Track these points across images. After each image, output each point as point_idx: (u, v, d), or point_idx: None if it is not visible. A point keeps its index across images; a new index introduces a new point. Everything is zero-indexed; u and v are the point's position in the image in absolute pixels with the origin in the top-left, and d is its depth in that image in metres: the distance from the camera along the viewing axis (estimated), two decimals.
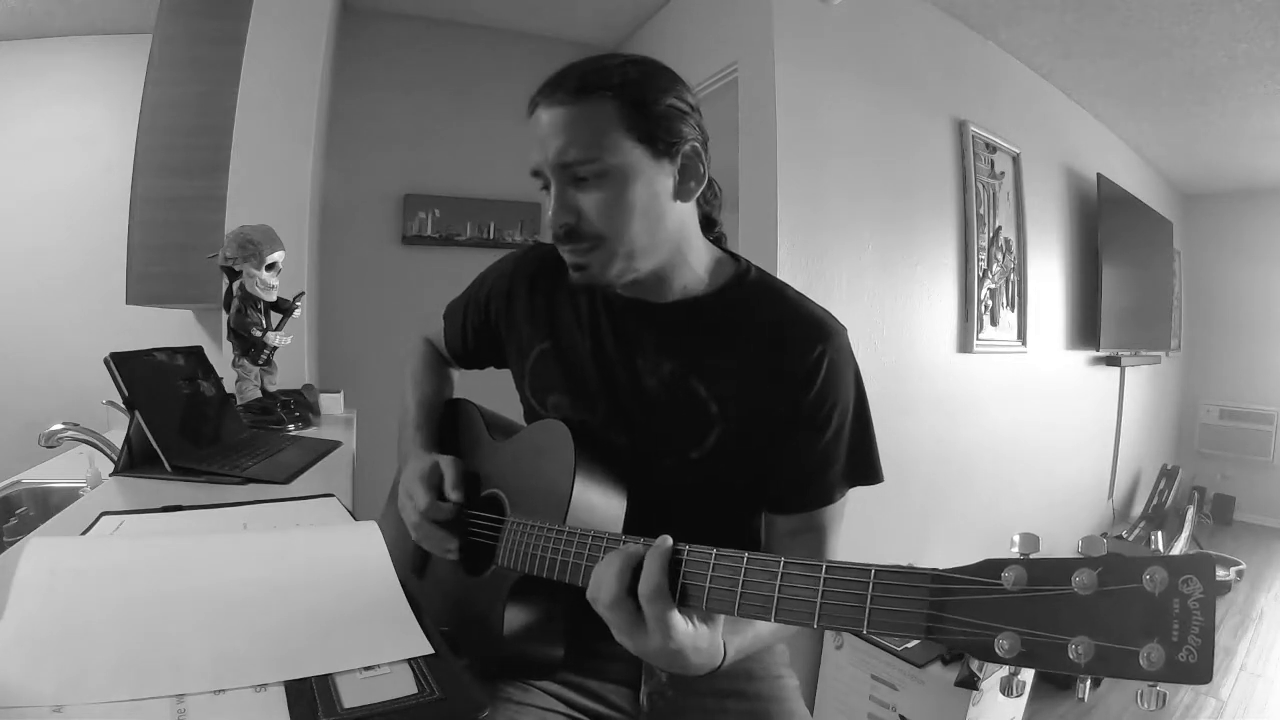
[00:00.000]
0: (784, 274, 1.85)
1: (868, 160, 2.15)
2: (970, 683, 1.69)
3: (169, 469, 1.06)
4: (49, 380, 2.41)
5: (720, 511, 0.77)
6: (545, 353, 0.81)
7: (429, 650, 0.57)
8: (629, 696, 0.79)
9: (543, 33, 2.86)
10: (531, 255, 0.85)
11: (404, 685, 0.53)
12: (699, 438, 0.73)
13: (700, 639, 0.53)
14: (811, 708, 2.02)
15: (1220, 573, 3.13)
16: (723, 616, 0.54)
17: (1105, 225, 3.19)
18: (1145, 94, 2.99)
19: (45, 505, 1.39)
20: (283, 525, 0.86)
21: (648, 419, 0.75)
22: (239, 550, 0.71)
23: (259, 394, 1.57)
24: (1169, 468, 4.12)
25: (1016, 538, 0.40)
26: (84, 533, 0.77)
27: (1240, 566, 3.33)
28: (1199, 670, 0.32)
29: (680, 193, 0.71)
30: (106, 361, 1.07)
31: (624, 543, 0.58)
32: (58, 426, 1.24)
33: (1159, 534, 3.38)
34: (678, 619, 0.51)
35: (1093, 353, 3.27)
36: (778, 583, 0.47)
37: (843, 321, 0.75)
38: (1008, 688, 0.41)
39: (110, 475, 1.08)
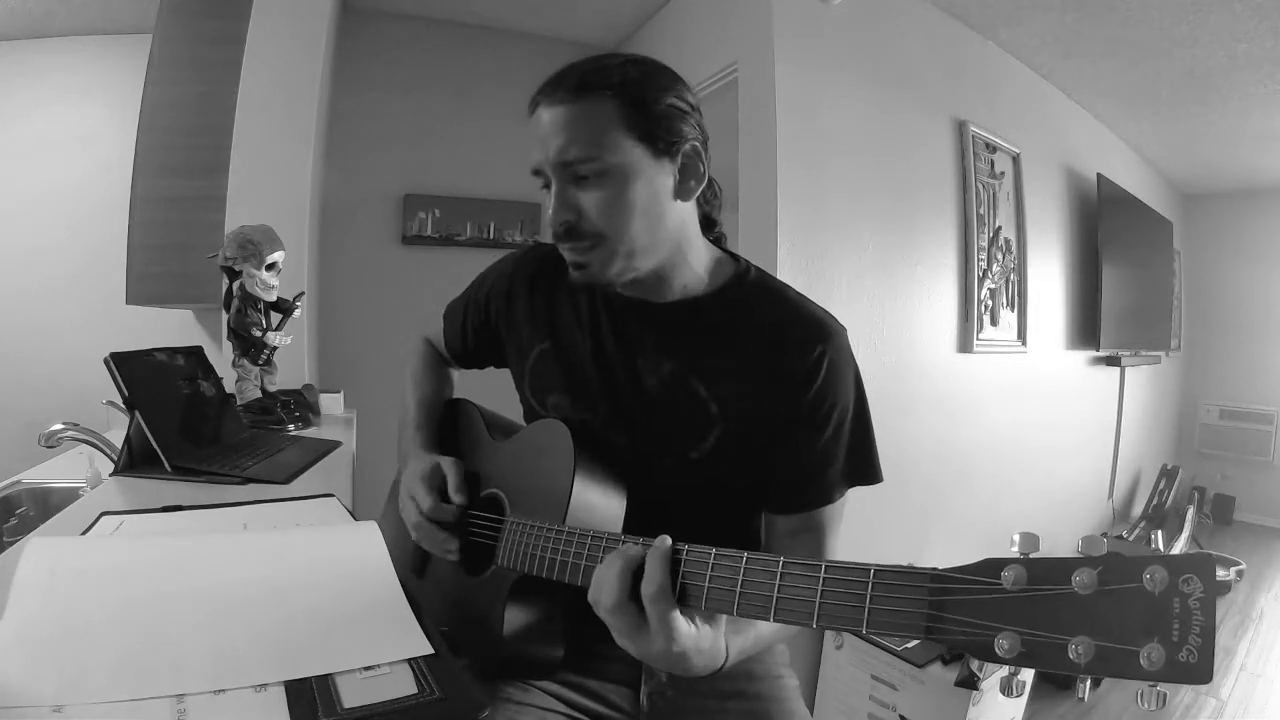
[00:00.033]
0: (784, 274, 1.85)
1: (868, 160, 2.15)
2: (970, 683, 1.69)
3: (169, 469, 1.06)
4: (49, 380, 2.41)
5: (720, 512, 0.77)
6: (545, 353, 0.81)
7: (429, 650, 0.57)
8: (629, 696, 0.79)
9: (543, 33, 2.86)
10: (531, 255, 0.86)
11: (404, 685, 0.53)
12: (699, 438, 0.73)
13: (703, 640, 0.53)
14: (811, 708, 2.02)
15: (1220, 573, 3.13)
16: (725, 617, 0.54)
17: (1105, 225, 3.19)
18: (1145, 94, 2.99)
19: (45, 505, 1.39)
20: (283, 525, 0.86)
21: (648, 419, 0.75)
22: (239, 550, 0.71)
23: (259, 394, 1.57)
24: (1169, 468, 4.12)
25: (1016, 537, 0.40)
26: (84, 533, 0.77)
27: (1240, 566, 3.33)
28: (1199, 670, 0.32)
29: (680, 192, 0.71)
30: (106, 361, 1.07)
31: (623, 542, 0.58)
32: (58, 426, 1.24)
33: (1159, 533, 3.38)
34: (681, 620, 0.51)
35: (1093, 353, 3.27)
36: (777, 582, 0.47)
37: (843, 321, 0.75)
38: (1008, 688, 0.40)
39: (110, 475, 1.08)
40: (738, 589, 0.49)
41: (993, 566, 0.39)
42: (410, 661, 0.56)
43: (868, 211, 2.15)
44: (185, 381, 1.26)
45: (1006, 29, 2.50)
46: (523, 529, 0.68)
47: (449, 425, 0.93)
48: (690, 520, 0.61)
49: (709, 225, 0.81)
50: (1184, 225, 4.54)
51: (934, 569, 0.41)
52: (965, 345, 2.47)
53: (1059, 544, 2.70)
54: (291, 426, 1.54)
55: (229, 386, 1.48)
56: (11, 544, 0.84)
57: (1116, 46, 2.55)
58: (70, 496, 1.33)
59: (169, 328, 2.32)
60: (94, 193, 2.45)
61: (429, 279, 2.55)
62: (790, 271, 1.93)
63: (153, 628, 0.56)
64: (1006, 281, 2.66)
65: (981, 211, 2.52)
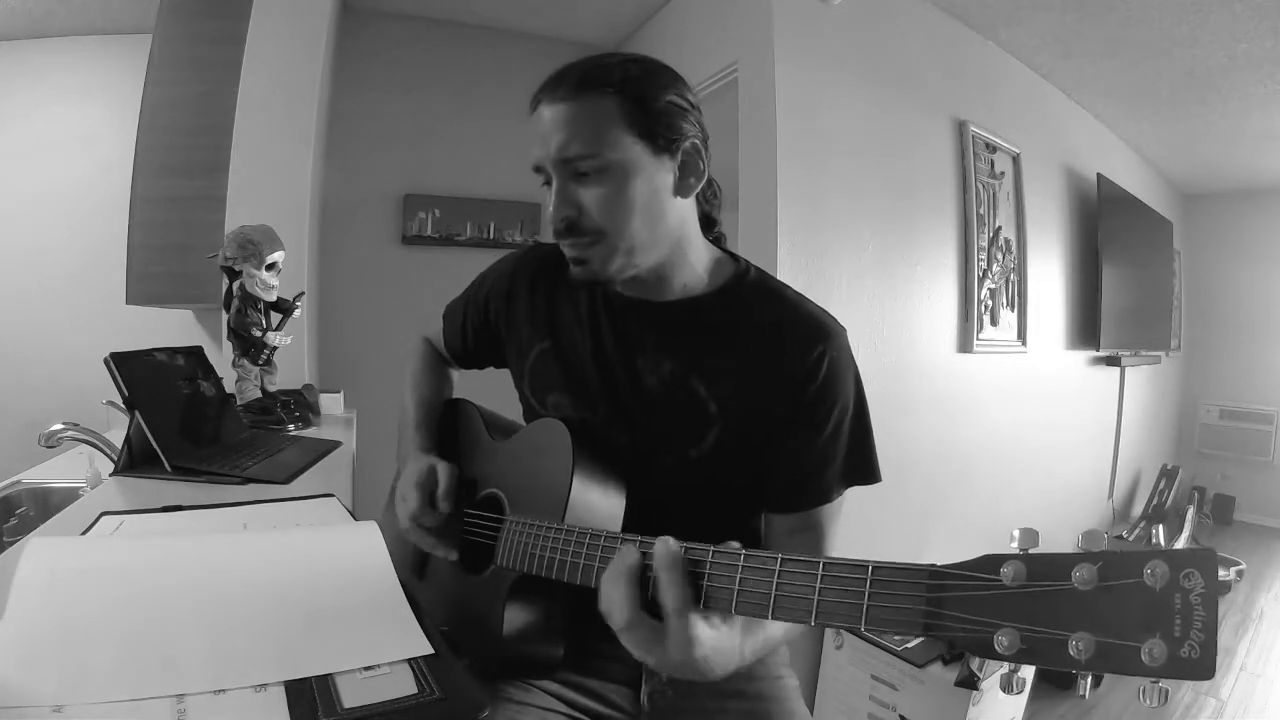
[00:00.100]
0: (784, 274, 1.85)
1: (868, 160, 2.15)
2: (970, 683, 1.68)
3: (169, 469, 1.06)
4: (49, 380, 2.41)
5: (720, 511, 0.77)
6: (545, 352, 0.81)
7: (429, 650, 0.57)
8: (629, 696, 0.79)
9: (543, 33, 2.86)
10: (531, 255, 0.86)
11: (404, 685, 0.53)
12: (698, 437, 0.73)
13: (722, 640, 0.51)
14: (811, 708, 2.02)
15: (1220, 573, 3.13)
16: (741, 619, 0.53)
17: (1105, 225, 3.19)
18: (1145, 94, 2.99)
19: (45, 505, 1.39)
20: (283, 525, 0.86)
21: (648, 418, 0.75)
22: (239, 550, 0.71)
23: (259, 394, 1.57)
24: (1169, 468, 4.12)
25: (1016, 533, 0.40)
26: (84, 533, 0.77)
27: (1240, 566, 3.33)
28: (1202, 666, 0.32)
29: (680, 189, 0.71)
30: (106, 361, 1.07)
31: (621, 541, 0.58)
32: (58, 426, 1.24)
33: (1160, 528, 3.37)
34: (702, 625, 0.49)
35: (1093, 353, 3.27)
36: (775, 579, 0.47)
37: (843, 322, 0.75)
38: (1008, 684, 0.40)
39: (110, 475, 1.08)
40: (735, 587, 0.48)
41: (992, 562, 0.38)
42: (410, 661, 0.56)
43: (868, 211, 2.15)
44: (185, 381, 1.26)
45: (1006, 29, 2.50)
46: (522, 528, 0.68)
47: (448, 425, 0.93)
48: (690, 520, 0.61)
49: (709, 224, 0.81)
50: (1184, 225, 4.54)
51: (932, 565, 0.41)
52: (965, 345, 2.47)
53: (1059, 544, 2.67)
54: (291, 426, 1.54)
55: (229, 386, 1.48)
56: (11, 544, 0.84)
57: (1116, 46, 2.55)
58: (70, 496, 1.33)
59: (169, 328, 2.32)
60: (94, 193, 2.45)
61: (429, 279, 2.55)
62: (790, 271, 1.93)
63: (153, 628, 0.56)
64: (1006, 281, 2.66)
65: (981, 211, 2.52)
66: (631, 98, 0.67)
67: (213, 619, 0.58)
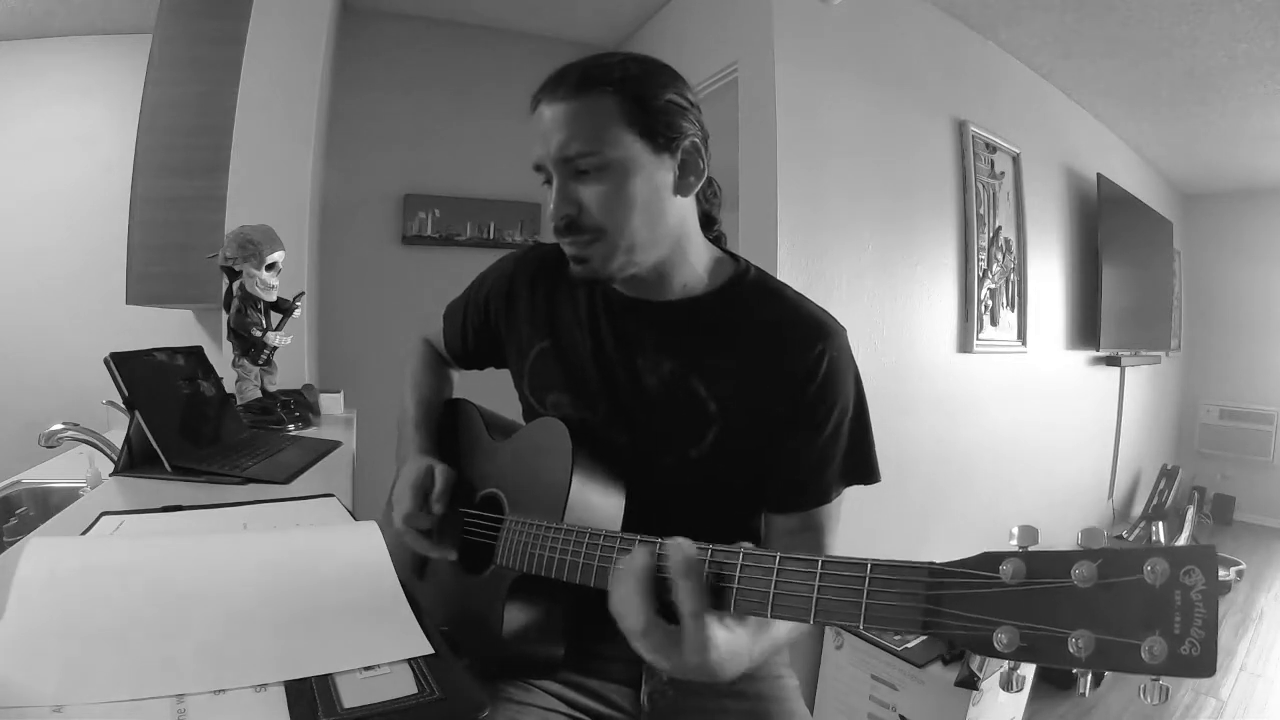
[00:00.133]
0: (784, 274, 1.85)
1: (868, 160, 2.15)
2: (970, 683, 1.68)
3: (169, 469, 1.06)
4: (49, 380, 2.41)
5: (719, 511, 0.77)
6: (545, 351, 0.81)
7: (429, 650, 0.57)
8: (630, 696, 0.79)
9: (543, 33, 2.86)
10: (531, 255, 0.86)
11: (404, 685, 0.53)
12: (698, 437, 0.73)
13: (737, 642, 0.51)
14: (811, 708, 2.02)
15: (1220, 573, 3.13)
16: (753, 620, 0.53)
17: (1105, 225, 3.19)
18: (1145, 94, 2.99)
19: (45, 505, 1.39)
20: (283, 525, 0.86)
21: (647, 418, 0.75)
22: (239, 550, 0.71)
23: (259, 394, 1.57)
24: (1169, 468, 4.12)
25: (1015, 530, 0.40)
26: (84, 533, 0.77)
27: (1240, 566, 3.33)
28: (1202, 663, 0.31)
29: (680, 187, 0.71)
30: (106, 361, 1.07)
31: (621, 540, 0.58)
32: (58, 426, 1.24)
33: (1160, 525, 3.37)
34: (719, 629, 0.49)
35: (1093, 353, 3.27)
36: (774, 578, 0.47)
37: (843, 322, 0.76)
38: (1007, 683, 0.40)
39: (110, 475, 1.08)
40: (734, 585, 0.48)
41: (991, 560, 0.38)
42: (410, 661, 0.56)
43: (868, 211, 2.15)
44: (185, 381, 1.26)
45: (1006, 29, 2.50)
46: (522, 528, 0.68)
47: (448, 425, 0.93)
48: (689, 519, 0.61)
49: (708, 224, 0.81)
50: (1184, 225, 4.54)
51: (931, 563, 0.41)
52: (965, 345, 2.47)
53: (1059, 544, 2.67)
54: (291, 426, 1.54)
55: (229, 386, 1.48)
56: (11, 544, 0.84)
57: (1116, 46, 2.55)
58: (70, 496, 1.33)
59: (169, 328, 2.32)
60: (94, 193, 2.45)
61: (429, 279, 2.55)
62: (790, 271, 1.93)
63: (153, 628, 0.56)
64: (1006, 281, 2.66)
65: (981, 211, 2.52)
66: (631, 96, 0.67)
67: (213, 619, 0.58)
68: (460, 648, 0.64)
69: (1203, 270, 4.67)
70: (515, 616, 0.68)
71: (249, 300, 1.53)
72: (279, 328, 1.59)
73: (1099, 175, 3.17)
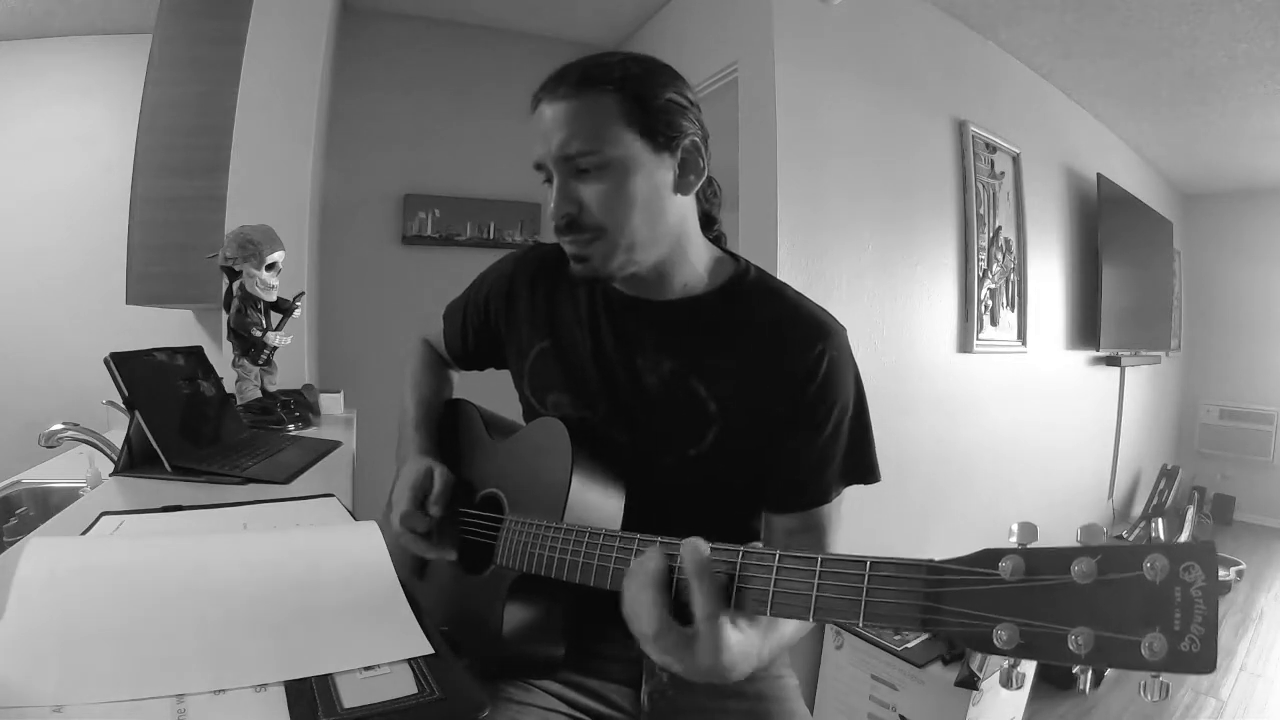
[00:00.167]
0: (784, 274, 1.85)
1: (868, 160, 2.15)
2: (970, 683, 1.69)
3: (169, 469, 1.06)
4: (49, 380, 2.41)
5: (719, 511, 0.77)
6: (545, 351, 0.81)
7: (429, 650, 0.57)
8: (630, 696, 0.79)
9: (543, 33, 2.86)
10: (531, 255, 0.86)
11: (404, 685, 0.53)
12: (698, 436, 0.73)
13: (749, 644, 0.51)
14: (811, 708, 2.02)
15: (1220, 573, 3.13)
16: (764, 621, 0.52)
17: (1105, 225, 3.19)
18: (1145, 94, 2.99)
19: (45, 505, 1.39)
20: (283, 525, 0.86)
21: (648, 417, 0.75)
22: (239, 550, 0.71)
23: (259, 394, 1.57)
24: (1169, 468, 4.12)
25: (1015, 527, 0.39)
26: (84, 533, 0.77)
27: (1240, 566, 3.33)
28: (1202, 659, 0.31)
29: (680, 186, 0.71)
30: (106, 361, 1.07)
31: (621, 539, 0.57)
32: (58, 426, 1.24)
33: (1160, 521, 3.37)
34: (731, 630, 0.48)
35: (1093, 353, 3.27)
36: (773, 576, 0.47)
37: (843, 321, 0.76)
38: (1007, 680, 0.39)
39: (110, 475, 1.08)
40: (734, 584, 0.48)
41: (990, 557, 0.38)
42: (410, 661, 0.56)
43: (868, 211, 2.15)
44: (185, 381, 1.26)
45: (1006, 29, 2.50)
46: (521, 527, 0.68)
47: (448, 426, 0.93)
48: (689, 519, 0.61)
49: (708, 223, 0.81)
50: (1184, 225, 4.54)
51: (930, 560, 0.41)
52: (965, 345, 2.47)
53: (1058, 543, 2.68)
54: (291, 426, 1.54)
55: (229, 386, 1.48)
56: (11, 544, 0.84)
57: (1116, 46, 2.55)
58: (70, 496, 1.33)
59: (169, 328, 2.32)
60: (94, 193, 2.45)
61: (429, 279, 2.55)
62: (790, 271, 1.93)
63: (153, 628, 0.56)
64: (1006, 281, 2.66)
65: (981, 211, 2.52)
66: (632, 95, 0.67)
67: (213, 619, 0.58)
68: (460, 648, 0.64)
69: (1203, 270, 4.67)
70: (515, 616, 0.68)
71: (249, 300, 1.53)
72: (279, 328, 1.59)
73: (1099, 175, 3.17)
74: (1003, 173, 2.64)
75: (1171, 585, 0.32)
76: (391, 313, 2.56)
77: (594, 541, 0.60)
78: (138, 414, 1.07)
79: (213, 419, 1.29)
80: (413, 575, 0.84)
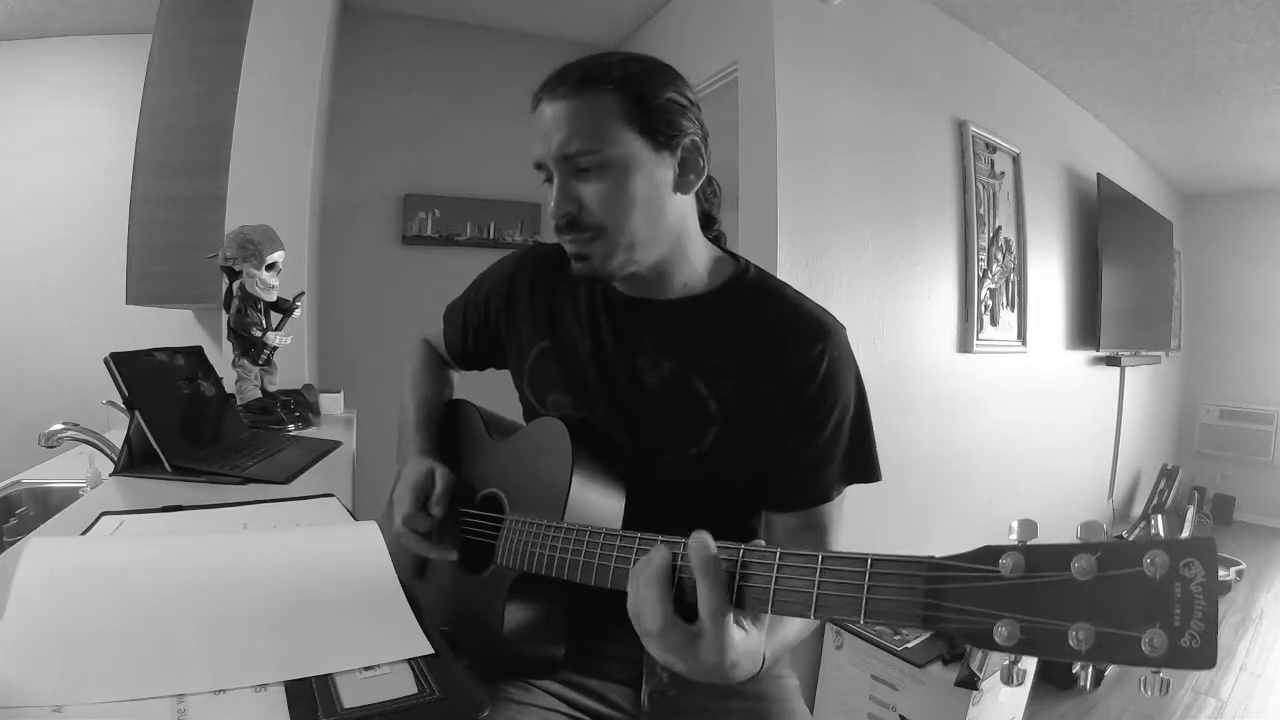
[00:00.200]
0: (784, 274, 1.85)
1: (868, 160, 2.15)
2: (970, 683, 1.69)
3: (169, 469, 1.06)
4: (49, 380, 2.41)
5: (720, 510, 0.77)
6: (545, 351, 0.81)
7: (429, 650, 0.57)
8: (630, 696, 0.79)
9: (543, 33, 2.86)
10: (532, 255, 0.86)
11: (404, 685, 0.53)
12: (698, 436, 0.73)
13: (751, 643, 0.51)
14: (811, 708, 2.02)
15: (1220, 573, 3.13)
16: (768, 622, 0.52)
17: (1105, 225, 3.19)
18: (1145, 94, 2.99)
19: (45, 505, 1.39)
20: (283, 525, 0.86)
21: (648, 417, 0.75)
22: (239, 550, 0.71)
23: (259, 394, 1.57)
24: (1169, 468, 4.12)
25: (1015, 524, 0.39)
26: (84, 533, 0.77)
27: (1240, 566, 3.33)
28: (1203, 655, 0.31)
29: (680, 185, 0.71)
30: (106, 361, 1.07)
31: (621, 538, 0.57)
32: (58, 426, 1.24)
33: (1160, 517, 3.36)
34: (736, 631, 0.48)
35: (1093, 353, 3.27)
36: (774, 574, 0.47)
37: (842, 321, 0.75)
38: (1008, 676, 0.40)
39: (110, 475, 1.08)
40: (735, 582, 0.48)
41: (990, 554, 0.38)
42: (410, 661, 0.56)
43: (868, 211, 2.15)
44: (185, 381, 1.26)
45: (1006, 29, 2.50)
46: (522, 527, 0.68)
47: (448, 426, 0.93)
48: (690, 518, 0.60)
49: (708, 223, 0.82)
50: (1184, 225, 4.54)
51: (931, 557, 0.41)
52: (965, 345, 2.47)
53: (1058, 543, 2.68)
54: (291, 426, 1.54)
55: (229, 386, 1.48)
56: (11, 544, 0.83)
57: (1116, 46, 2.55)
58: (70, 496, 1.33)
59: (169, 328, 2.32)
60: (94, 193, 2.45)
61: (429, 279, 2.55)
62: (790, 271, 1.93)
63: (153, 628, 0.56)
64: (1006, 281, 2.66)
65: (981, 211, 2.52)
66: (632, 95, 0.67)
67: (213, 619, 0.58)
68: (460, 648, 0.64)
69: (1203, 270, 4.67)
70: (515, 616, 0.68)
71: (249, 300, 1.53)
72: (279, 328, 1.59)
73: (1099, 175, 3.17)
74: (1003, 173, 2.64)
75: (1171, 581, 0.32)
76: (391, 313, 2.56)
77: (594, 541, 0.60)
78: (138, 414, 1.07)
79: (213, 419, 1.29)
80: (413, 575, 0.84)
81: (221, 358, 1.59)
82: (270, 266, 1.53)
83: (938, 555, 0.41)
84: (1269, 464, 4.38)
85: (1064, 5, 2.30)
